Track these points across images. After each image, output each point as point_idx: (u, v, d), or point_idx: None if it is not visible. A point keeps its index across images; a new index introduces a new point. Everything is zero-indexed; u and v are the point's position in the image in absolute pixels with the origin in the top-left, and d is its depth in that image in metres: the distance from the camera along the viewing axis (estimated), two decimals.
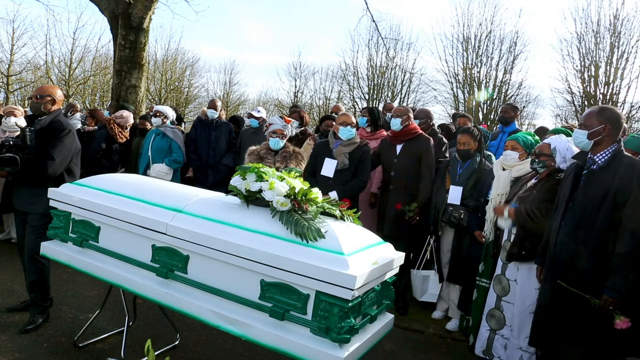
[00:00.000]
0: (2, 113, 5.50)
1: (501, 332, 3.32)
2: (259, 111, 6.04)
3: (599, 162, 2.72)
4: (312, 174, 4.23)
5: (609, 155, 2.70)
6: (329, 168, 4.17)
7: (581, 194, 2.75)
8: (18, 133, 4.41)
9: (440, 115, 19.80)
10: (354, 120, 4.34)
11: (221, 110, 5.84)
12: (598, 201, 2.65)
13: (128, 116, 5.79)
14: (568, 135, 3.55)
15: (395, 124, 4.34)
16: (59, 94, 3.58)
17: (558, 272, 2.77)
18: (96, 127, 6.01)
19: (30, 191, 3.43)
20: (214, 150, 5.55)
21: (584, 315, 2.64)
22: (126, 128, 5.74)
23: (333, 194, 4.01)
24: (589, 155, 2.79)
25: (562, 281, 2.72)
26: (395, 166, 4.35)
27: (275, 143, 3.84)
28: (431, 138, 4.48)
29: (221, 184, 5.22)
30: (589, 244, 2.65)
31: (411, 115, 4.51)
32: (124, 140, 5.71)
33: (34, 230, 3.45)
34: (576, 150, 3.12)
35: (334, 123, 5.26)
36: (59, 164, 3.37)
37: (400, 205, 4.24)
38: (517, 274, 3.23)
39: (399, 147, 4.38)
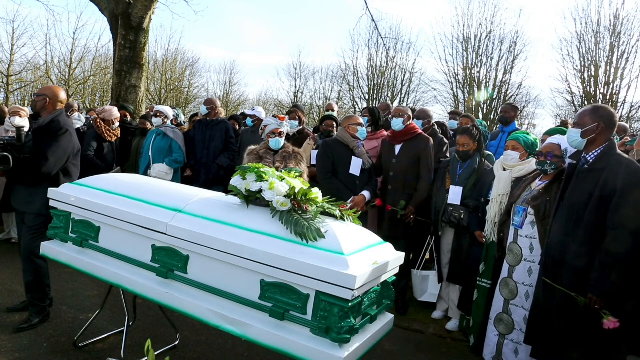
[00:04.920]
0: (8, 113, 5.48)
1: (511, 337, 3.26)
2: (253, 110, 6.03)
3: (590, 160, 2.74)
4: (334, 174, 4.22)
5: (597, 153, 2.72)
6: (356, 167, 4.22)
7: (570, 193, 2.78)
8: None
9: (441, 115, 19.83)
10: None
11: (218, 108, 5.81)
12: (585, 200, 2.67)
13: (111, 109, 5.62)
14: (564, 133, 3.53)
15: (397, 123, 4.35)
16: (61, 95, 3.55)
17: (550, 270, 2.79)
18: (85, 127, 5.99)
19: (26, 191, 3.42)
20: (208, 149, 5.54)
21: (575, 314, 2.66)
22: (113, 123, 5.54)
23: (367, 194, 4.16)
24: (583, 155, 2.81)
25: (552, 279, 2.73)
26: (393, 166, 4.36)
27: (276, 143, 3.84)
28: (431, 138, 4.48)
29: (213, 183, 5.23)
30: (576, 243, 2.68)
31: (411, 114, 4.52)
32: (114, 138, 5.57)
33: (29, 231, 3.44)
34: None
35: (334, 123, 5.28)
36: (53, 164, 3.34)
37: (390, 207, 4.28)
38: (529, 278, 3.19)
39: (397, 148, 4.40)
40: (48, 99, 3.47)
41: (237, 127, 6.57)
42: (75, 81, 22.12)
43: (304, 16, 36.64)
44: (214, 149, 5.56)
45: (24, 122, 4.86)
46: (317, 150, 4.70)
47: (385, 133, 4.77)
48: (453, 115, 6.51)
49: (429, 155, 4.31)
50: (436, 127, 5.04)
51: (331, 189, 4.00)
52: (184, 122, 7.36)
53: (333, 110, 6.43)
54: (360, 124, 4.31)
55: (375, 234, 2.64)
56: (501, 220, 3.49)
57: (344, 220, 2.50)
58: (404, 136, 4.37)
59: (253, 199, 2.46)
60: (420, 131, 4.46)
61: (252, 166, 2.50)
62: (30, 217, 3.43)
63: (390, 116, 4.52)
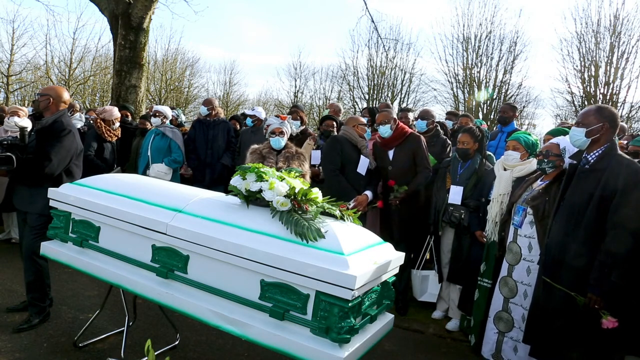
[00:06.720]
0: (7, 113, 5.48)
1: (510, 335, 3.28)
2: (253, 110, 6.04)
3: (591, 160, 2.75)
4: (341, 171, 4.19)
5: (599, 153, 2.72)
6: (363, 166, 4.23)
7: (570, 193, 2.79)
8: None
9: (440, 115, 19.82)
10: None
11: (217, 108, 5.82)
12: (586, 200, 2.67)
13: (111, 109, 5.58)
14: (566, 133, 3.52)
15: (385, 131, 4.31)
16: (64, 95, 3.55)
17: (549, 269, 2.80)
18: (86, 127, 5.99)
19: (28, 191, 3.42)
20: (212, 149, 5.56)
21: (575, 313, 2.66)
22: (114, 123, 5.49)
23: (369, 194, 4.18)
24: (584, 155, 2.81)
25: (552, 279, 2.73)
26: (391, 173, 4.35)
27: (277, 142, 3.85)
28: (421, 135, 4.49)
29: (218, 183, 5.24)
30: (576, 243, 2.68)
31: (395, 116, 4.50)
32: (115, 138, 5.54)
33: (31, 230, 3.45)
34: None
35: (334, 123, 5.29)
36: (57, 164, 3.35)
37: (394, 182, 4.26)
38: (528, 277, 3.20)
39: (390, 153, 4.38)
40: (51, 99, 3.48)
41: (238, 127, 6.59)
42: (75, 81, 22.10)
43: (304, 16, 36.67)
44: (218, 149, 5.57)
45: (27, 123, 4.86)
46: (319, 149, 4.70)
47: None
48: (449, 115, 6.52)
49: (422, 152, 4.32)
50: (439, 127, 5.04)
51: (337, 187, 3.98)
52: (184, 123, 7.37)
53: (335, 111, 6.44)
54: (365, 124, 4.33)
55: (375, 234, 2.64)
56: (502, 219, 3.49)
57: (344, 220, 2.50)
58: (394, 141, 4.35)
59: (253, 199, 2.46)
60: (409, 131, 4.44)
61: (252, 166, 2.50)
62: (33, 217, 3.44)
63: (375, 124, 4.49)
